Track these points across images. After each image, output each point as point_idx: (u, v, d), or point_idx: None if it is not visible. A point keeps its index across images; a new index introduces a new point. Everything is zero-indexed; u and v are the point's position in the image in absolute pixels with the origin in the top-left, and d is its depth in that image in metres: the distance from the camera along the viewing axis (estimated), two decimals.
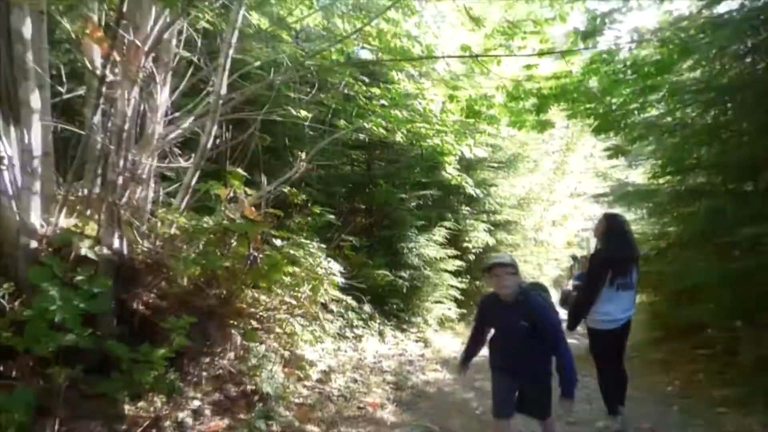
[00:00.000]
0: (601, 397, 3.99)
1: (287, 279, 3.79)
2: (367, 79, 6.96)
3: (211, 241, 3.31)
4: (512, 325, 2.78)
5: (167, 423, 2.85)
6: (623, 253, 3.74)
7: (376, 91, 6.60)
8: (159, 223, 3.46)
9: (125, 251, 3.27)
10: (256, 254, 3.39)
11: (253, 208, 3.90)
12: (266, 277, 3.41)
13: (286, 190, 5.47)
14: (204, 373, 3.58)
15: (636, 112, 4.73)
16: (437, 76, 5.86)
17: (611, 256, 3.74)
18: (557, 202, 17.74)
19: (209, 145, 3.68)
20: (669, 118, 5.61)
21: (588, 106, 4.70)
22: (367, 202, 8.98)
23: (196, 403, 3.08)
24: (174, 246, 3.45)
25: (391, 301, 7.18)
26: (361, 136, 9.22)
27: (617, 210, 6.93)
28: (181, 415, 2.94)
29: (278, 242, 4.50)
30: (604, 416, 4.16)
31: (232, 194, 3.80)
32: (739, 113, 5.35)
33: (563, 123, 16.87)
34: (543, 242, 16.58)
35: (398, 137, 7.07)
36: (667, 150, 6.17)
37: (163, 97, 4.20)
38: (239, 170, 3.51)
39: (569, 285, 6.44)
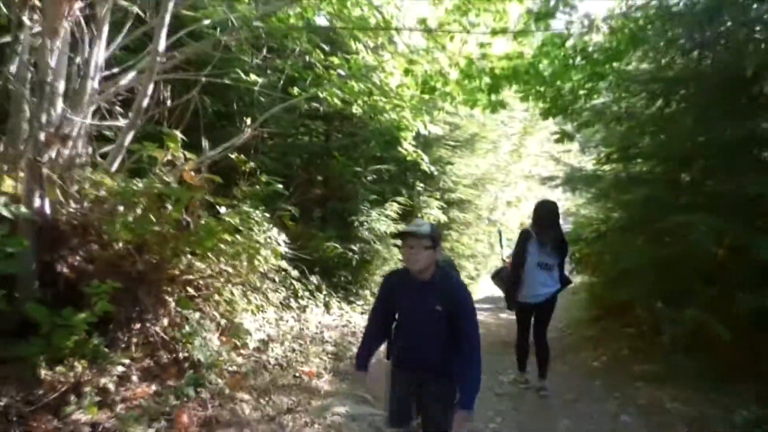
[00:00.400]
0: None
1: (226, 247, 3.71)
2: (327, 48, 6.79)
3: (143, 205, 3.18)
4: (424, 309, 2.34)
5: (87, 389, 2.77)
6: (542, 234, 4.24)
7: (334, 60, 6.45)
8: (87, 184, 3.29)
9: (48, 211, 3.11)
10: (189, 220, 3.29)
11: (192, 173, 3.79)
12: (200, 243, 3.32)
13: (233, 156, 5.36)
14: (134, 339, 3.51)
15: (584, 98, 4.82)
16: (394, 49, 5.76)
17: (530, 235, 4.28)
18: (512, 184, 18.15)
19: (145, 104, 3.50)
20: (615, 107, 5.76)
21: (539, 88, 4.76)
22: (323, 173, 8.87)
23: (121, 368, 3.00)
24: (103, 209, 3.30)
25: (340, 273, 7.19)
26: (321, 107, 9.14)
27: (555, 196, 7.38)
28: (104, 380, 2.87)
29: (223, 210, 4.42)
30: (515, 371, 4.91)
31: (170, 157, 3.66)
32: (681, 106, 5.56)
33: (522, 107, 17.29)
34: (496, 222, 16.97)
35: (355, 110, 7.00)
36: (615, 138, 6.36)
37: (97, 50, 3.97)
38: (176, 132, 3.36)
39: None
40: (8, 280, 2.89)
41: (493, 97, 5.07)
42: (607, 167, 7.36)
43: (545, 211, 4.35)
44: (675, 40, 5.47)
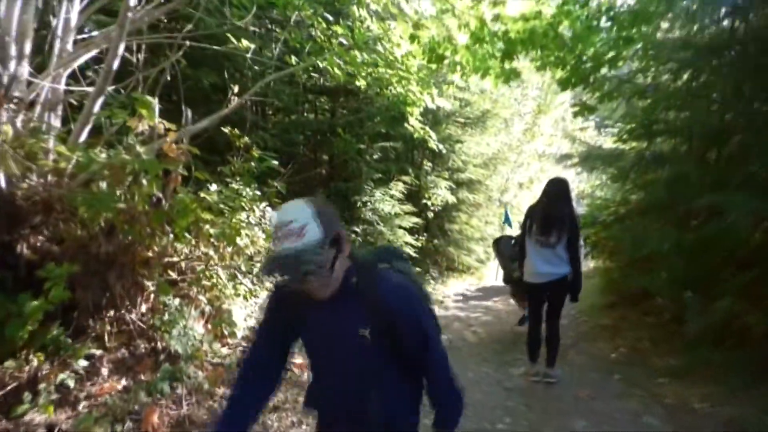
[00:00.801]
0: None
1: (206, 227, 3.36)
2: (330, 18, 6.34)
3: (110, 179, 2.82)
4: (343, 337, 1.46)
5: (42, 385, 2.45)
6: (544, 210, 4.05)
7: (338, 29, 6.00)
8: (51, 156, 2.93)
9: (3, 185, 2.76)
10: (161, 196, 2.93)
11: (173, 145, 3.42)
12: (173, 222, 2.97)
13: (227, 130, 4.98)
14: (108, 328, 3.19)
15: (608, 65, 4.36)
16: (398, 11, 5.29)
17: (533, 211, 4.19)
18: (525, 164, 17.60)
19: (115, 66, 3.12)
20: (641, 77, 5.28)
21: (558, 54, 4.29)
22: (329, 152, 8.50)
23: (84, 362, 2.67)
24: (67, 183, 2.95)
25: None
26: (323, 80, 8.70)
27: (570, 176, 7.11)
28: (63, 375, 2.54)
29: (213, 187, 4.06)
30: (525, 362, 4.51)
31: (145, 127, 3.29)
32: (711, 78, 5.08)
33: (536, 83, 16.64)
34: (507, 204, 16.50)
35: (359, 83, 6.57)
36: (636, 113, 5.91)
37: (71, 8, 3.58)
38: (148, 98, 2.98)
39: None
40: None
41: (506, 64, 4.60)
42: (627, 145, 6.91)
43: (552, 187, 4.17)
44: (710, 2, 4.96)
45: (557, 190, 4.12)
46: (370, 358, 1.45)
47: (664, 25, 5.91)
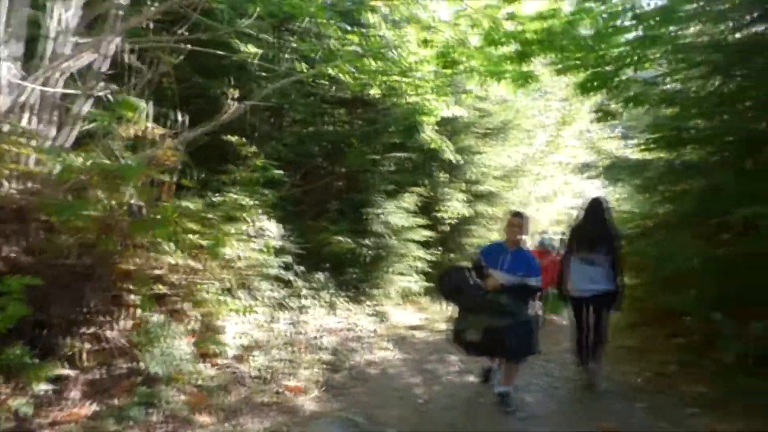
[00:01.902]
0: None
1: (191, 237, 3.15)
2: (347, 27, 6.20)
3: (92, 185, 2.64)
4: None
5: None
6: (586, 229, 4.38)
7: (354, 38, 5.83)
8: (31, 162, 2.77)
9: None
10: (141, 204, 2.73)
11: (168, 152, 3.25)
12: (144, 231, 2.76)
13: (233, 139, 4.82)
14: (86, 346, 2.99)
15: (632, 67, 4.04)
16: (410, 14, 5.10)
17: (575, 231, 4.55)
18: (548, 177, 17.12)
19: (104, 69, 2.96)
20: (669, 81, 4.93)
21: (578, 55, 3.99)
22: (344, 163, 8.32)
23: (44, 386, 2.46)
24: (48, 190, 2.78)
25: (351, 270, 6.59)
26: (335, 89, 8.55)
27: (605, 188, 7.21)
28: (20, 401, 2.33)
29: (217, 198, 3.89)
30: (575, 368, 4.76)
31: (138, 132, 3.12)
32: (746, 80, 4.71)
33: (560, 93, 16.25)
34: (530, 218, 16.06)
35: (373, 91, 6.38)
36: (664, 121, 5.56)
37: (65, 10, 3.46)
38: (134, 99, 2.80)
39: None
40: None
41: (523, 67, 4.32)
42: (654, 155, 6.53)
43: (589, 206, 4.53)
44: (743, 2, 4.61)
45: (597, 209, 4.40)
46: None
47: (694, 27, 5.57)
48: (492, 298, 3.58)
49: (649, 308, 6.52)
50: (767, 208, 3.60)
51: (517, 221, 3.85)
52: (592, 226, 4.35)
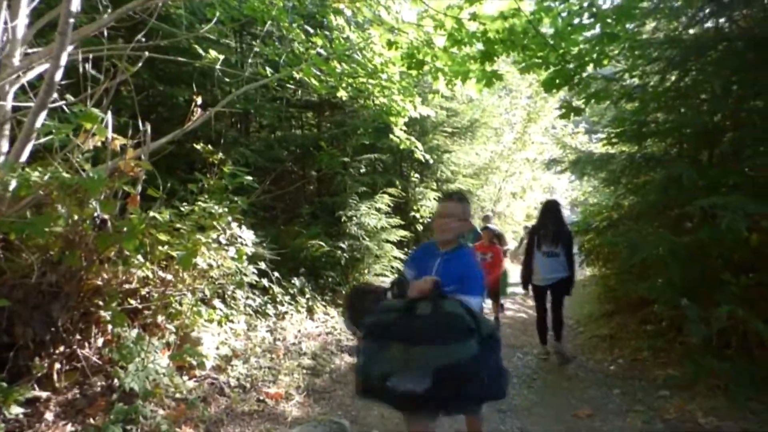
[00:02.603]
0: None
1: (161, 248, 3.08)
2: (310, 30, 6.19)
3: (50, 200, 2.56)
4: None
5: None
6: (548, 227, 5.05)
7: (317, 40, 5.82)
8: None
9: None
10: (105, 218, 2.66)
11: (131, 163, 3.17)
12: (117, 245, 2.70)
13: (199, 147, 4.76)
14: (57, 366, 2.90)
15: (593, 64, 4.16)
16: (373, 15, 5.11)
17: (537, 229, 5.17)
18: (516, 174, 17.43)
19: (57, 78, 2.87)
20: (628, 77, 5.09)
21: (540, 54, 4.08)
22: (315, 167, 8.28)
23: (17, 410, 2.38)
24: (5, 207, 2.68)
25: (328, 274, 6.56)
26: (300, 93, 8.52)
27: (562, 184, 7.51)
28: None
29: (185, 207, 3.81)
30: (538, 346, 5.46)
31: (97, 143, 3.04)
32: (700, 77, 4.90)
33: (525, 92, 16.57)
34: (500, 214, 16.31)
35: (341, 94, 6.38)
36: (625, 116, 5.72)
37: (13, 19, 3.35)
38: (94, 110, 2.73)
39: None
40: None
41: (487, 67, 4.39)
42: (617, 149, 6.73)
43: (547, 207, 5.28)
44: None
45: (552, 209, 5.21)
46: None
47: (650, 24, 5.76)
48: (437, 309, 2.03)
49: (620, 297, 6.71)
50: (722, 199, 3.74)
51: (449, 209, 2.39)
52: (553, 225, 5.06)
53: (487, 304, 6.41)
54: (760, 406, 3.49)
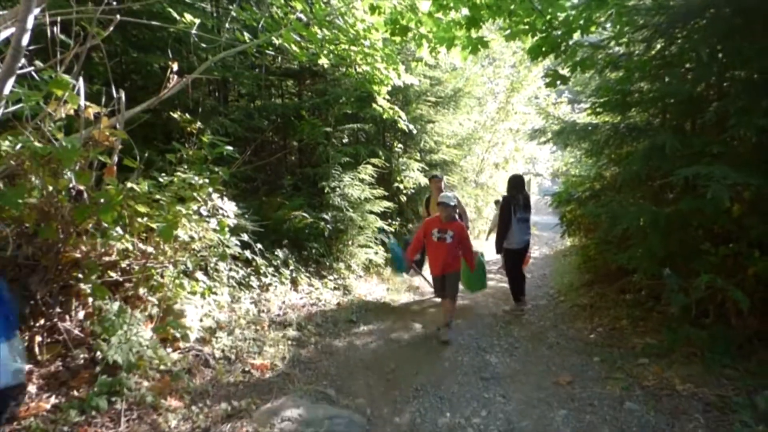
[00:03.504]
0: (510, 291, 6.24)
1: (140, 220, 3.00)
2: None
3: (23, 171, 2.44)
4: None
5: None
6: (521, 197, 5.90)
7: (297, 5, 5.61)
8: None
9: None
10: (81, 189, 2.56)
11: (106, 132, 3.04)
12: (94, 217, 2.61)
13: (177, 116, 4.60)
14: (38, 339, 2.84)
15: (580, 31, 4.08)
16: None
17: (512, 199, 5.88)
18: (500, 144, 17.40)
19: (24, 43, 2.70)
20: (614, 44, 5.03)
21: (527, 20, 3.99)
22: (297, 137, 8.11)
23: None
24: None
25: (311, 246, 6.51)
26: (280, 60, 8.28)
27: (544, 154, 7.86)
28: None
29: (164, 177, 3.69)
30: (510, 303, 6.29)
31: (69, 111, 2.90)
32: (687, 42, 4.87)
33: (509, 61, 16.39)
34: (483, 185, 16.35)
35: (322, 61, 6.20)
36: (610, 86, 5.70)
37: None
38: (64, 76, 2.59)
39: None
40: None
41: (473, 33, 4.29)
42: (601, 119, 6.73)
43: (516, 180, 6.06)
44: None
45: (520, 182, 6.04)
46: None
47: None
48: None
49: (600, 267, 6.83)
50: (705, 168, 3.76)
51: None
52: (524, 194, 5.93)
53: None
54: (736, 373, 3.61)
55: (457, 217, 5.31)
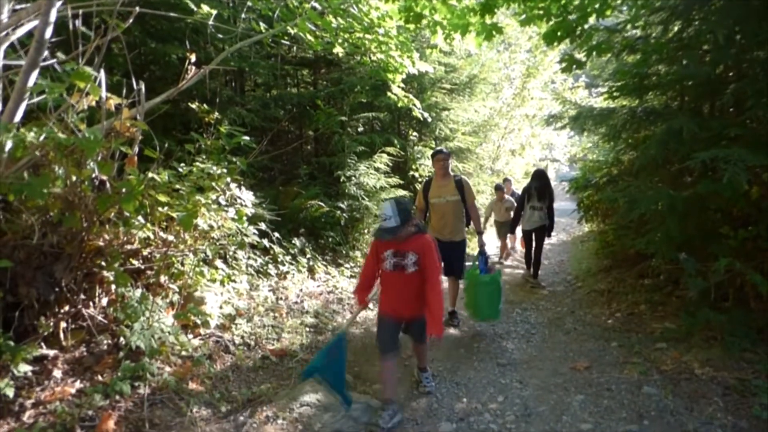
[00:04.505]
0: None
1: (161, 210, 3.07)
2: None
3: (47, 161, 2.52)
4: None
5: None
6: (534, 188, 6.72)
7: None
8: None
9: None
10: (103, 179, 2.64)
11: (127, 123, 3.11)
12: (116, 206, 2.68)
13: (195, 106, 4.67)
14: (63, 325, 2.94)
15: (595, 15, 4.02)
16: None
17: (527, 189, 6.83)
18: (516, 131, 17.22)
19: (47, 36, 2.78)
20: (630, 27, 4.94)
21: (542, 5, 3.94)
22: (313, 126, 8.16)
23: (25, 367, 2.43)
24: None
25: (328, 234, 6.58)
26: (296, 49, 8.30)
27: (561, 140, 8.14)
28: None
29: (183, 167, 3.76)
30: (527, 275, 7.14)
31: (91, 103, 2.98)
32: (704, 24, 4.76)
33: (524, 46, 16.15)
34: (500, 172, 16.22)
35: (337, 50, 6.20)
36: (627, 69, 5.61)
37: None
38: (86, 68, 2.65)
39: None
40: None
41: (487, 19, 4.26)
42: (618, 103, 6.63)
43: (537, 173, 6.98)
44: None
45: (540, 174, 6.94)
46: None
47: None
48: None
49: (618, 252, 6.78)
50: (723, 151, 3.69)
51: None
52: (537, 186, 6.71)
53: None
54: (755, 356, 3.57)
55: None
